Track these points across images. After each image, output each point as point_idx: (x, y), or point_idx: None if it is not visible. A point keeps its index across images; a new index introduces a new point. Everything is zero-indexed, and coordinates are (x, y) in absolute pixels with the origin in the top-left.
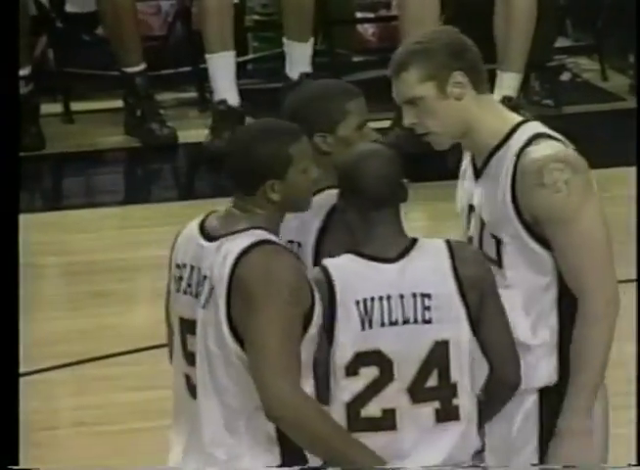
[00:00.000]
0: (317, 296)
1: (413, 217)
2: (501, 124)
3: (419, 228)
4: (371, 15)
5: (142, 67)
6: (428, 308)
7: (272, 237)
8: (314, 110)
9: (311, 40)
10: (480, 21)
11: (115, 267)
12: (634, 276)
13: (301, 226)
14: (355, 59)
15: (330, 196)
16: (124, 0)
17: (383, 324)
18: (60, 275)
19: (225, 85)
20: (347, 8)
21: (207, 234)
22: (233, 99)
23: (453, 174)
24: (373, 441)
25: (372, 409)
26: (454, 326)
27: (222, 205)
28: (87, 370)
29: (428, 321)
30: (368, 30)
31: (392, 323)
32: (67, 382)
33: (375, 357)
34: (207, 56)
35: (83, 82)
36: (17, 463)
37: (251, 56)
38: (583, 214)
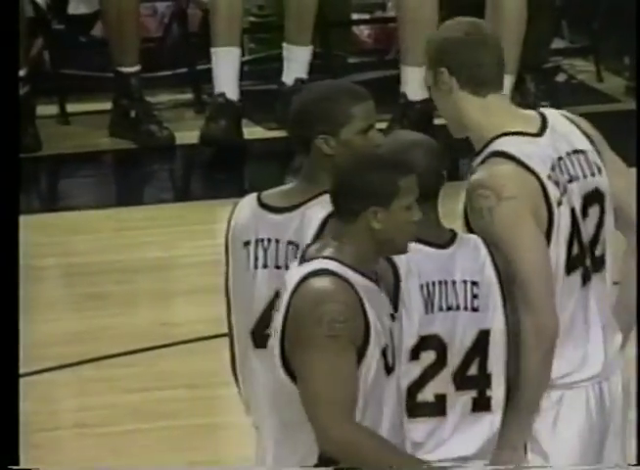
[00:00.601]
0: (372, 320)
1: None
2: (486, 132)
3: None
4: (367, 16)
5: (137, 68)
6: (476, 296)
7: (336, 268)
8: (318, 111)
9: (310, 46)
10: None
11: (113, 269)
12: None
13: (300, 228)
14: (351, 60)
15: (321, 203)
16: (128, 0)
17: (441, 308)
18: (56, 277)
19: (227, 79)
20: (343, 9)
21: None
22: (232, 93)
23: (451, 175)
24: (424, 426)
25: (427, 394)
26: (495, 316)
27: (218, 206)
28: (85, 372)
29: (476, 309)
30: (364, 32)
31: (449, 308)
32: (65, 383)
33: (433, 342)
34: (213, 49)
35: (79, 84)
36: (17, 463)
37: (246, 57)
38: (511, 243)
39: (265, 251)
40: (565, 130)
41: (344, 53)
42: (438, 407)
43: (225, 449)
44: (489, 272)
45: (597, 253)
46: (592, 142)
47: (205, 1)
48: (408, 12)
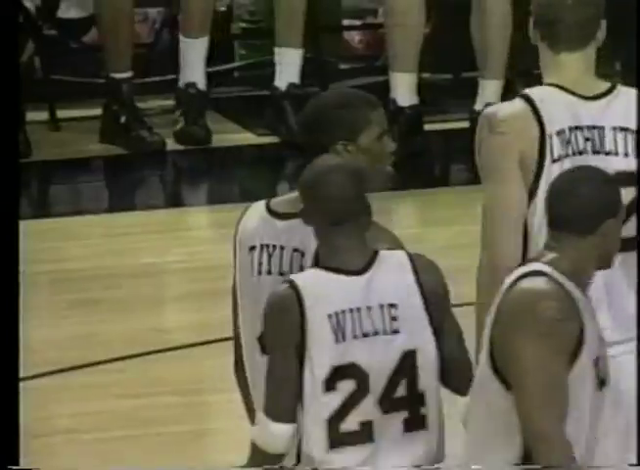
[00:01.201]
0: (588, 326)
1: (405, 225)
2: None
3: (410, 235)
4: (358, 22)
5: (129, 74)
6: (395, 319)
7: (551, 273)
8: (338, 118)
9: (301, 49)
10: (466, 28)
11: (103, 275)
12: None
13: (307, 235)
14: (342, 66)
15: None
16: (124, 4)
17: (355, 336)
18: (47, 283)
19: (197, 69)
20: (334, 15)
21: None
22: (202, 83)
23: (442, 181)
24: (353, 455)
25: (350, 423)
26: (420, 336)
27: (209, 212)
28: (76, 378)
29: (395, 331)
30: (355, 38)
31: (364, 335)
32: (56, 389)
33: (351, 371)
34: (184, 39)
35: (70, 90)
36: (17, 463)
37: (237, 63)
38: (487, 176)
39: (270, 257)
40: (626, 107)
41: (335, 59)
42: (365, 435)
43: (216, 456)
44: (412, 291)
45: (623, 232)
46: None
47: None
48: (396, 17)
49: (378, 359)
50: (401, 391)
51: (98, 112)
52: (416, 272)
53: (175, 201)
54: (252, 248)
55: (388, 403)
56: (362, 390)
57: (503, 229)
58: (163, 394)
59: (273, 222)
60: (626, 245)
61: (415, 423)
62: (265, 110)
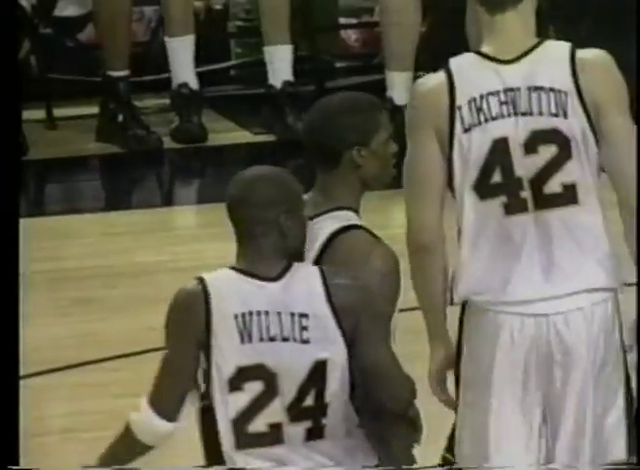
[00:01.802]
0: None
1: (400, 224)
2: (471, 48)
3: (404, 235)
4: (354, 21)
5: (126, 72)
6: (305, 328)
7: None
8: (351, 122)
9: (290, 45)
10: (462, 27)
11: (100, 274)
12: (634, 280)
13: (309, 239)
14: (338, 64)
15: (338, 218)
16: (122, 3)
17: (262, 339)
18: (43, 281)
19: (186, 69)
20: (331, 14)
21: None
22: (194, 82)
23: None
24: (262, 456)
25: (259, 425)
26: (331, 347)
27: (205, 211)
28: (72, 377)
29: (306, 341)
30: (351, 36)
31: (271, 339)
32: (52, 388)
33: (258, 372)
34: (169, 39)
35: (66, 88)
36: (17, 463)
37: (233, 62)
38: (407, 148)
39: None
40: (548, 66)
41: (332, 57)
42: (273, 437)
43: None
44: (323, 304)
45: (546, 190)
46: (579, 89)
47: (194, 5)
48: (392, 16)
49: (287, 365)
50: (309, 400)
51: (95, 110)
52: (326, 286)
53: (172, 199)
54: None
55: (295, 412)
56: (271, 392)
57: (417, 202)
58: None
59: None
60: (556, 201)
61: (315, 433)
62: (261, 108)
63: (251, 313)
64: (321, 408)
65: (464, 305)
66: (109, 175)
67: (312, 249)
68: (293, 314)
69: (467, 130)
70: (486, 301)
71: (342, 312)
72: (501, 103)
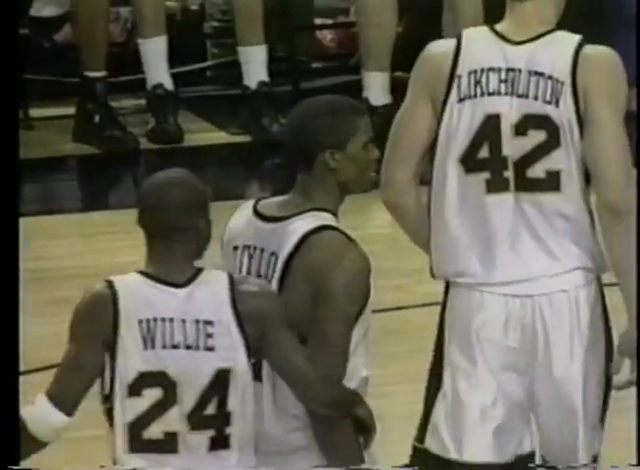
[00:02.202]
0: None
1: (379, 224)
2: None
3: (385, 235)
4: (330, 21)
5: (103, 73)
6: (210, 336)
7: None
8: (325, 125)
9: (264, 45)
10: (438, 27)
11: (78, 274)
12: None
13: (282, 240)
14: (314, 65)
15: (314, 218)
16: (100, 3)
17: (164, 346)
18: (21, 282)
19: (161, 69)
20: (307, 14)
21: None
22: (168, 83)
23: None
24: (155, 462)
25: (154, 431)
26: (234, 356)
27: None
28: (51, 378)
29: (210, 348)
30: (327, 37)
31: (174, 346)
32: (30, 389)
33: (159, 379)
34: (141, 41)
35: (43, 89)
36: (17, 463)
37: (210, 62)
38: None
39: (250, 258)
40: (552, 54)
41: (308, 58)
42: (169, 445)
43: None
44: (228, 311)
45: (530, 174)
46: (575, 82)
47: (168, 5)
48: (369, 16)
49: (189, 373)
50: (211, 409)
51: (71, 111)
52: (232, 293)
53: None
54: (236, 248)
55: (196, 420)
56: (169, 400)
57: (391, 151)
58: None
59: (257, 224)
60: (538, 186)
61: (219, 442)
62: (238, 109)
63: (155, 320)
64: (224, 417)
65: (447, 286)
66: (85, 176)
67: (285, 247)
68: (197, 321)
69: (461, 100)
70: (470, 282)
71: (246, 319)
72: (500, 80)
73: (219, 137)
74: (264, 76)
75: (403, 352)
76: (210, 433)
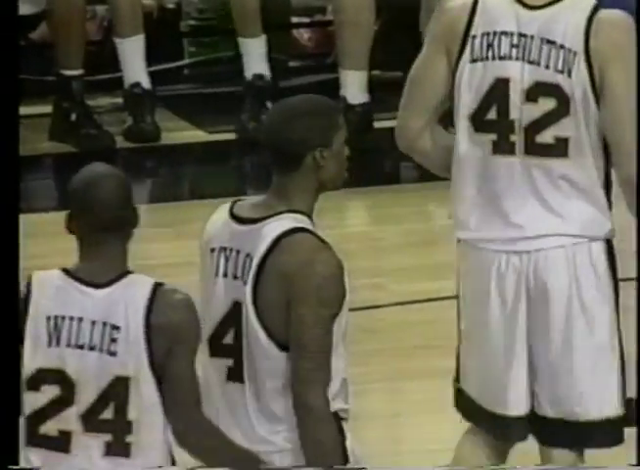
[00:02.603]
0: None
1: (354, 223)
2: None
3: (360, 233)
4: (307, 20)
5: (80, 71)
6: (114, 340)
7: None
8: (312, 124)
9: (261, 37)
10: (416, 25)
11: None
12: (634, 274)
13: (256, 242)
14: (292, 64)
15: (288, 220)
16: (76, 0)
17: (69, 345)
18: None
19: (138, 69)
20: (283, 13)
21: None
22: (146, 82)
23: (392, 179)
24: (46, 458)
25: (49, 427)
26: (136, 365)
27: (159, 209)
28: None
29: (113, 353)
30: (304, 35)
31: (79, 346)
32: None
33: (58, 377)
34: (119, 40)
35: (19, 87)
36: (17, 463)
37: (187, 61)
38: None
39: (227, 260)
40: (566, 22)
41: (285, 56)
42: (62, 444)
43: None
44: (139, 320)
45: (539, 139)
46: (588, 50)
47: (145, 3)
48: (346, 15)
49: (89, 375)
50: (108, 414)
51: (48, 109)
52: (150, 303)
53: None
54: (213, 249)
55: (92, 423)
56: (66, 399)
57: (405, 99)
58: None
59: (233, 226)
60: (546, 151)
61: (117, 449)
62: (217, 107)
63: (64, 318)
64: (123, 424)
65: (458, 241)
66: (62, 174)
67: (259, 249)
68: (105, 324)
69: (474, 61)
70: (474, 238)
71: (155, 331)
72: (512, 45)
73: (196, 136)
74: (260, 69)
75: (379, 350)
76: (107, 437)
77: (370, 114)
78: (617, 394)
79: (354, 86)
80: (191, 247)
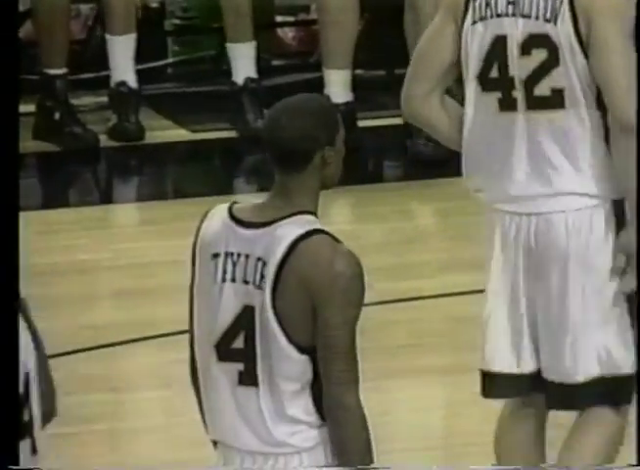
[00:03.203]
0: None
1: (338, 221)
2: None
3: (344, 232)
4: (291, 19)
5: (64, 70)
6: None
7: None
8: (319, 123)
9: (252, 42)
10: (400, 25)
11: (38, 272)
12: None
13: (270, 245)
14: (275, 62)
15: (302, 222)
16: (60, 0)
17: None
18: None
19: (127, 67)
20: (267, 12)
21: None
22: (133, 81)
23: (376, 178)
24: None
25: None
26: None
27: (142, 209)
28: None
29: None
30: (288, 34)
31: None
32: None
33: None
34: (110, 37)
35: None
36: (17, 463)
37: (170, 60)
38: None
39: (234, 265)
40: None
41: (269, 55)
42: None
43: (149, 453)
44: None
45: (537, 92)
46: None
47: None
48: (330, 15)
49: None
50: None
51: (31, 108)
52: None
53: (109, 197)
54: (216, 255)
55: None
56: None
57: (411, 67)
58: (96, 391)
59: (238, 230)
60: (545, 103)
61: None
62: (227, 105)
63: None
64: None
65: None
66: (46, 173)
67: (275, 254)
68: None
69: (474, 23)
70: (483, 196)
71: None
72: (508, 2)
73: (179, 135)
74: (251, 73)
75: (364, 349)
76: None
77: (354, 113)
78: (622, 353)
79: (338, 85)
80: (175, 245)
